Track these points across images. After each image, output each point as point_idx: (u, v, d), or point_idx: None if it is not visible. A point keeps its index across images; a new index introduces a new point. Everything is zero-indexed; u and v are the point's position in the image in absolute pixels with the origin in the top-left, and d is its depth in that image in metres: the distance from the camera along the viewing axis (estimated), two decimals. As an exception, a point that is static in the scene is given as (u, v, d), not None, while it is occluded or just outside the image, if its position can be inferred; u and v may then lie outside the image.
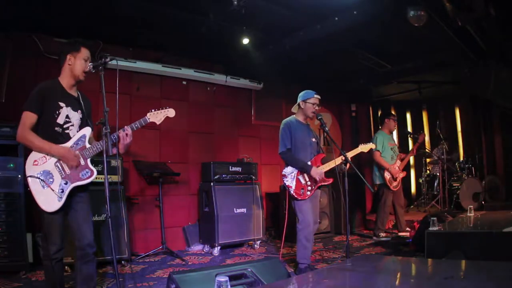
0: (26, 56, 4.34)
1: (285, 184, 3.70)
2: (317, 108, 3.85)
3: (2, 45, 4.20)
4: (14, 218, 3.56)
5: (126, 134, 2.58)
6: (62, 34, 4.48)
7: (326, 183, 3.82)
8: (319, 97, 3.85)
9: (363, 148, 3.93)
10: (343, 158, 3.69)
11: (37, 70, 4.32)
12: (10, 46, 4.24)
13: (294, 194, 3.65)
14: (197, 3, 4.00)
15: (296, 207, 3.71)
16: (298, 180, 3.69)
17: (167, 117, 2.74)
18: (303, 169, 3.70)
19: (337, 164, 3.75)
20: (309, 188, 3.71)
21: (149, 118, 2.68)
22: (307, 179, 3.71)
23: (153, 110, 2.71)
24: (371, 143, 4.06)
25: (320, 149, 4.02)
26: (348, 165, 3.64)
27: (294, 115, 3.96)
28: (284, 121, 3.88)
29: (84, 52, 2.57)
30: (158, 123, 2.72)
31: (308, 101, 3.82)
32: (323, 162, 3.83)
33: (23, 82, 4.06)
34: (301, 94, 3.88)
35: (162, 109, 2.72)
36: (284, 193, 3.78)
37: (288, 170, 3.72)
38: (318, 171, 3.66)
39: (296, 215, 3.76)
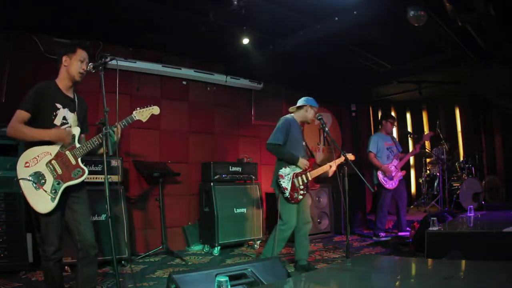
0: (26, 56, 4.34)
1: (280, 185, 3.67)
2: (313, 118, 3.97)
3: (2, 45, 4.20)
4: (14, 218, 3.57)
5: (113, 131, 2.56)
6: (62, 34, 4.48)
7: (313, 189, 3.85)
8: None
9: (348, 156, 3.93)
10: (330, 165, 3.83)
11: (37, 70, 4.32)
12: (10, 46, 4.24)
13: (288, 196, 3.65)
14: (197, 3, 4.00)
15: (284, 209, 3.69)
16: (293, 183, 3.69)
17: (153, 114, 2.80)
18: (290, 160, 3.72)
19: (325, 170, 3.84)
20: (302, 192, 3.72)
21: (135, 116, 2.73)
22: (301, 183, 3.72)
23: (138, 108, 2.75)
24: (351, 154, 4.01)
25: (310, 153, 4.04)
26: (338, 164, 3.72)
27: (292, 115, 3.95)
28: (284, 117, 3.88)
29: (80, 53, 2.57)
30: (144, 120, 2.76)
31: (314, 108, 3.94)
32: (312, 168, 3.90)
33: (23, 82, 4.04)
34: (310, 98, 3.94)
35: (147, 106, 2.78)
36: (276, 192, 3.78)
37: (286, 171, 3.71)
38: (304, 162, 3.73)
39: (280, 216, 3.73)
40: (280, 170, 3.72)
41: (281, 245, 3.69)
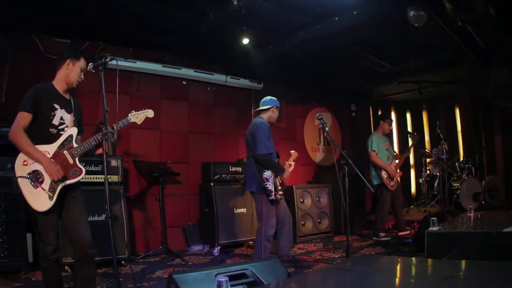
0: (26, 56, 4.34)
1: (267, 188, 3.67)
2: None
3: (2, 45, 4.19)
4: (14, 218, 3.56)
5: (112, 133, 2.58)
6: (62, 34, 4.48)
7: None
8: None
9: (292, 155, 4.10)
10: (290, 164, 3.99)
11: (37, 70, 4.32)
12: (10, 46, 4.24)
13: (274, 198, 3.69)
14: (197, 3, 4.00)
15: (267, 210, 3.73)
16: (275, 184, 3.75)
17: (147, 117, 2.87)
18: (278, 171, 3.79)
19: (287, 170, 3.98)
20: (280, 193, 3.81)
21: (130, 119, 2.79)
22: (278, 184, 3.81)
23: (133, 111, 2.82)
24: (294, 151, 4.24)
25: (276, 153, 4.07)
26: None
27: (262, 117, 3.93)
28: (263, 122, 3.83)
29: (83, 62, 2.62)
30: (139, 123, 2.83)
31: (278, 108, 3.99)
32: None
33: (23, 82, 4.04)
34: (274, 99, 3.99)
35: (142, 110, 2.85)
36: (258, 195, 3.81)
37: (268, 174, 3.70)
38: (288, 174, 3.91)
39: (262, 218, 3.74)
40: (264, 173, 3.69)
41: (268, 246, 3.73)
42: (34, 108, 2.44)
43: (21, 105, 2.43)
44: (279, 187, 3.81)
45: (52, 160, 2.46)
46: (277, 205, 3.80)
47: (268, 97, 4.01)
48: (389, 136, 5.85)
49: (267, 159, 3.69)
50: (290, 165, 4.02)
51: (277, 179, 3.81)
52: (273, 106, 3.94)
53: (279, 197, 3.78)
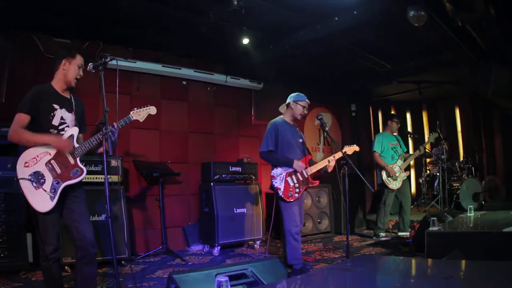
0: (26, 56, 4.34)
1: (273, 185, 3.69)
2: (306, 112, 3.93)
3: (2, 45, 4.20)
4: (14, 218, 3.56)
5: (111, 132, 2.58)
6: (62, 34, 4.49)
7: (313, 185, 3.87)
8: (309, 102, 3.93)
9: (348, 150, 3.95)
10: (329, 160, 3.80)
11: (37, 70, 4.32)
12: (10, 46, 4.24)
13: (282, 196, 3.65)
14: (197, 3, 4.00)
15: (283, 208, 3.70)
16: (286, 182, 3.69)
17: (150, 114, 2.83)
18: (285, 164, 3.73)
19: (323, 166, 3.82)
20: (297, 190, 3.72)
21: (132, 116, 2.76)
22: (295, 181, 3.72)
23: (135, 109, 2.79)
24: (354, 145, 4.08)
25: (307, 150, 4.02)
26: (332, 164, 3.77)
27: (281, 116, 3.97)
28: (271, 121, 3.89)
29: (79, 59, 2.61)
30: (141, 120, 2.80)
31: (299, 103, 3.87)
32: (310, 164, 3.87)
33: (23, 82, 4.05)
34: (292, 95, 3.94)
35: (144, 107, 2.82)
36: (274, 194, 3.81)
37: (277, 171, 3.71)
38: (300, 164, 3.73)
39: (282, 217, 3.73)
40: (272, 171, 3.72)
41: (296, 245, 3.66)
42: (32, 109, 2.45)
43: (19, 106, 2.44)
44: (296, 185, 3.70)
45: (57, 136, 2.49)
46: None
47: (291, 94, 3.96)
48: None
49: (265, 156, 3.76)
50: (329, 161, 3.82)
51: (293, 176, 3.73)
52: (290, 102, 3.90)
53: (295, 194, 3.69)
